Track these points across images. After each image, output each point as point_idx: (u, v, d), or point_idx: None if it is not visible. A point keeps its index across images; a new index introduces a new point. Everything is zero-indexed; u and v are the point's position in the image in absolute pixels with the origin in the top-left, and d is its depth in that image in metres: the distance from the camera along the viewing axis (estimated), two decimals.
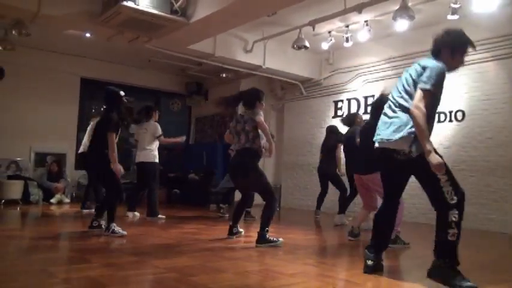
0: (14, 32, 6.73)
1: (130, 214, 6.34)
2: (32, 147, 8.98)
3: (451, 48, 2.87)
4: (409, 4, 5.82)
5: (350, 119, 6.14)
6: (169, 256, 3.56)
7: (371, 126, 3.63)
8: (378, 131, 2.96)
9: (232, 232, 4.61)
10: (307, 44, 7.18)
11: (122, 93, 4.80)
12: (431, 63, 2.79)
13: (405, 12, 5.79)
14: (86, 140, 6.64)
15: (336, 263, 3.75)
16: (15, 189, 7.89)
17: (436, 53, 2.90)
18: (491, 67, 6.57)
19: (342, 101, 9.04)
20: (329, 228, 6.21)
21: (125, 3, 5.62)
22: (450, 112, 6.99)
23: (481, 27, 6.41)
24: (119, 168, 4.48)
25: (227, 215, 6.76)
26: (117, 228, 4.44)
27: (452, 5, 5.81)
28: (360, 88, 8.65)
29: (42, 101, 9.00)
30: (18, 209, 7.29)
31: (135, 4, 5.68)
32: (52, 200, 8.14)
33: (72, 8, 6.20)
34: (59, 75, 9.27)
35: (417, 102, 2.68)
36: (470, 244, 4.90)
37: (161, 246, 4.13)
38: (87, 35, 7.41)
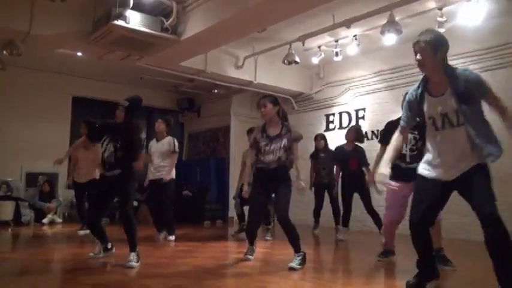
0: (4, 52, 6.74)
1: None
2: (23, 167, 8.90)
3: None
4: (397, 18, 5.91)
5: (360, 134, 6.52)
6: (161, 275, 3.52)
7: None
8: None
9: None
10: (297, 59, 7.24)
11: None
12: None
13: (393, 26, 5.88)
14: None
15: (332, 279, 3.73)
16: (6, 210, 7.79)
17: None
18: None
19: (333, 114, 9.10)
20: (325, 243, 6.19)
21: (115, 22, 5.65)
22: None
23: (468, 40, 6.52)
24: None
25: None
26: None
27: (439, 19, 5.91)
28: (350, 101, 8.72)
29: (34, 120, 8.96)
30: (10, 230, 7.19)
31: (126, 23, 5.71)
32: (44, 220, 8.05)
33: (63, 27, 6.22)
34: (50, 94, 9.24)
35: None
36: (468, 255, 4.91)
37: (154, 264, 4.09)
38: (79, 54, 7.42)
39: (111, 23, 5.68)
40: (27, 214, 8.00)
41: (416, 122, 2.89)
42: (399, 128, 2.95)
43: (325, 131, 9.06)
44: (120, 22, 5.66)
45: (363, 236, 6.98)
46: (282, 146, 4.05)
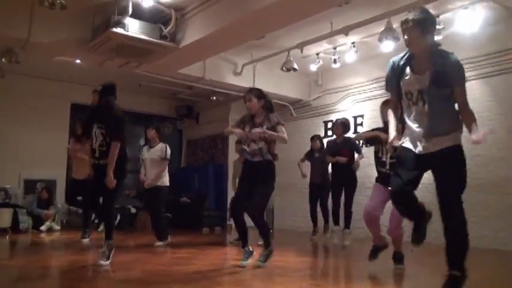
0: (3, 59, 6.75)
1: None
2: (21, 174, 8.87)
3: None
4: (394, 26, 5.94)
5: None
6: (160, 282, 3.51)
7: None
8: None
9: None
10: (295, 66, 7.28)
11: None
12: None
13: (390, 33, 5.92)
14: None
15: (331, 286, 3.72)
16: (4, 218, 7.74)
17: None
18: (477, 85, 6.69)
19: (331, 121, 9.10)
20: (324, 249, 6.17)
21: (114, 29, 5.68)
22: None
23: (465, 47, 6.56)
24: None
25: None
26: None
27: (436, 26, 5.95)
28: (349, 108, 8.74)
29: (32, 127, 8.95)
30: (8, 237, 7.16)
31: (125, 30, 5.74)
32: (42, 228, 8.01)
33: (62, 35, 6.25)
34: (48, 101, 9.24)
35: None
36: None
37: (152, 272, 4.07)
38: (77, 61, 7.44)
39: (110, 31, 5.70)
40: (25, 221, 7.96)
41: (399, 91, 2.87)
42: (390, 103, 3.03)
43: (323, 137, 9.07)
44: (119, 29, 5.70)
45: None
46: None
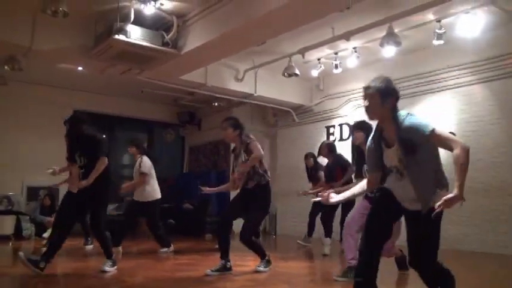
0: (6, 67, 6.78)
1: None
2: (24, 181, 8.88)
3: None
4: (396, 31, 5.96)
5: None
6: None
7: None
8: None
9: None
10: (297, 71, 7.29)
11: None
12: None
13: (392, 38, 5.93)
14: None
15: None
16: (7, 225, 7.77)
17: None
18: (478, 89, 6.69)
19: (333, 126, 9.12)
20: (325, 256, 6.15)
21: (116, 36, 5.70)
22: None
23: (466, 51, 6.58)
24: None
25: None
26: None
27: (437, 31, 5.97)
28: (351, 113, 8.74)
29: (34, 134, 8.97)
30: (11, 244, 7.16)
31: (127, 37, 5.77)
32: (45, 235, 7.99)
33: (64, 42, 6.28)
34: (51, 108, 9.23)
35: None
36: (465, 266, 4.89)
37: (155, 278, 4.07)
38: (80, 68, 7.47)
39: (112, 38, 5.73)
40: (28, 228, 7.98)
41: (381, 168, 2.65)
42: (367, 176, 2.80)
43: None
44: (121, 37, 5.72)
45: None
46: (244, 158, 4.36)
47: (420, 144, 2.41)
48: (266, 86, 8.75)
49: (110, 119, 10.24)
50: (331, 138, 9.04)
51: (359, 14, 5.82)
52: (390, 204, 2.57)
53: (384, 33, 5.97)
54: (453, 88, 6.95)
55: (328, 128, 9.23)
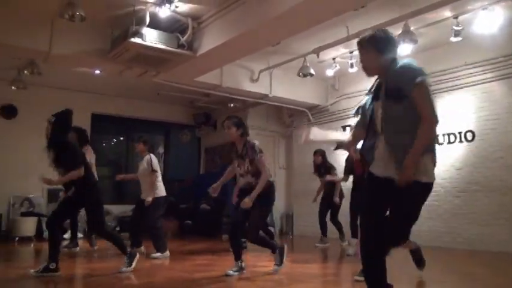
0: (26, 71, 6.92)
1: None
2: None
3: None
4: (412, 28, 5.89)
5: None
6: None
7: None
8: None
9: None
10: (312, 71, 7.26)
11: None
12: None
13: (408, 36, 5.85)
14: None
15: None
16: (28, 226, 7.92)
17: None
18: (497, 87, 6.56)
19: (349, 126, 9.03)
20: (343, 256, 6.12)
21: (132, 39, 5.77)
22: (460, 133, 6.96)
23: (484, 48, 6.45)
24: None
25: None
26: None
27: (455, 27, 5.88)
28: None
29: None
30: (32, 245, 7.30)
31: (143, 40, 5.83)
32: (65, 236, 8.14)
33: (82, 46, 6.38)
34: None
35: None
36: (488, 266, 4.80)
37: (174, 279, 4.10)
38: (97, 71, 7.58)
39: (128, 41, 5.80)
40: None
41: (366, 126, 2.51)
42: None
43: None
44: (137, 39, 5.78)
45: None
46: (247, 169, 4.34)
47: (404, 92, 2.22)
48: (281, 86, 8.74)
49: (127, 122, 10.38)
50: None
51: (373, 12, 5.77)
52: (379, 191, 2.38)
53: (399, 31, 5.90)
54: (471, 86, 6.83)
55: (344, 127, 9.16)
